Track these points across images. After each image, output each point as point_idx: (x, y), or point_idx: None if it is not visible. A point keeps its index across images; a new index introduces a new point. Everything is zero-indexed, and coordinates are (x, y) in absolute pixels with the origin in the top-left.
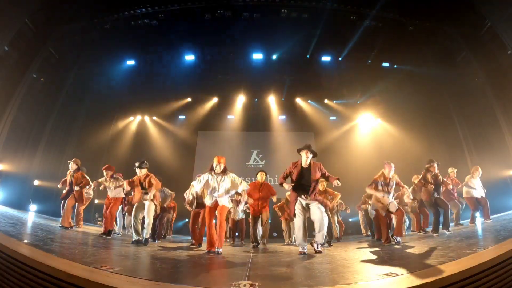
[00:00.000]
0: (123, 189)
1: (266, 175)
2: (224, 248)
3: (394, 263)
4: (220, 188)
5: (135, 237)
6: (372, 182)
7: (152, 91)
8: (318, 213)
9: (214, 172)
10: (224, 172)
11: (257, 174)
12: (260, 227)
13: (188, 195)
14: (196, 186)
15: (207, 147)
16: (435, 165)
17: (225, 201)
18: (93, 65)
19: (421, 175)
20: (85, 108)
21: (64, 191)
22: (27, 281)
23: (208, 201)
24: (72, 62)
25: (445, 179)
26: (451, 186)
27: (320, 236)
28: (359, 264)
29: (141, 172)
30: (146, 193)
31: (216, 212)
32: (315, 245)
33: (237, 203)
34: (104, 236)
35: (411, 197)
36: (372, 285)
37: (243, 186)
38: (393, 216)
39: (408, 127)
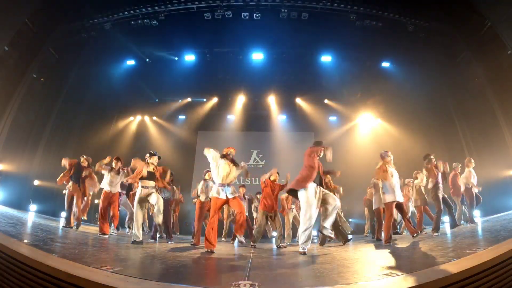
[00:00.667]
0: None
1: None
2: (224, 248)
3: (394, 263)
4: (230, 174)
5: (135, 237)
6: (381, 171)
7: (152, 91)
8: (334, 201)
9: (226, 157)
10: (232, 160)
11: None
12: (274, 230)
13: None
14: (213, 152)
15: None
16: (432, 157)
17: (233, 192)
18: (93, 65)
19: (430, 169)
20: (85, 108)
21: (68, 193)
22: (27, 281)
23: (218, 192)
24: (72, 62)
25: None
26: (459, 170)
27: (330, 221)
28: (359, 264)
29: (152, 159)
30: (152, 186)
31: (231, 205)
32: (325, 231)
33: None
34: (102, 235)
35: (425, 184)
36: (372, 285)
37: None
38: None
39: (408, 127)
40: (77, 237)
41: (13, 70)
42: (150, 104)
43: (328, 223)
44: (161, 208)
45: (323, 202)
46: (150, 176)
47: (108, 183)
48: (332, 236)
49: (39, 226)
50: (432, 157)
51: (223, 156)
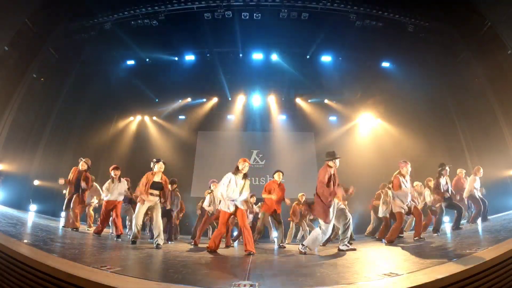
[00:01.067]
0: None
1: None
2: (224, 248)
3: (394, 263)
4: (244, 192)
5: (134, 237)
6: (395, 186)
7: (152, 91)
8: (346, 218)
9: (239, 172)
10: (246, 175)
11: (274, 173)
12: (276, 230)
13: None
14: (222, 187)
15: (207, 147)
16: (447, 168)
17: (242, 204)
18: (93, 65)
19: (435, 183)
20: (85, 108)
21: (67, 192)
22: (27, 281)
23: (227, 206)
24: (72, 62)
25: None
26: (463, 176)
27: (347, 237)
28: (359, 264)
29: (159, 167)
30: (158, 195)
31: (237, 218)
32: (343, 247)
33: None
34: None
35: (430, 198)
36: (372, 285)
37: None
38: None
39: (408, 127)
40: (77, 237)
41: (13, 70)
42: (150, 104)
43: (346, 240)
44: (159, 214)
45: (337, 216)
46: (156, 186)
47: (109, 192)
48: (351, 247)
49: (39, 226)
50: (447, 168)
51: (237, 171)
